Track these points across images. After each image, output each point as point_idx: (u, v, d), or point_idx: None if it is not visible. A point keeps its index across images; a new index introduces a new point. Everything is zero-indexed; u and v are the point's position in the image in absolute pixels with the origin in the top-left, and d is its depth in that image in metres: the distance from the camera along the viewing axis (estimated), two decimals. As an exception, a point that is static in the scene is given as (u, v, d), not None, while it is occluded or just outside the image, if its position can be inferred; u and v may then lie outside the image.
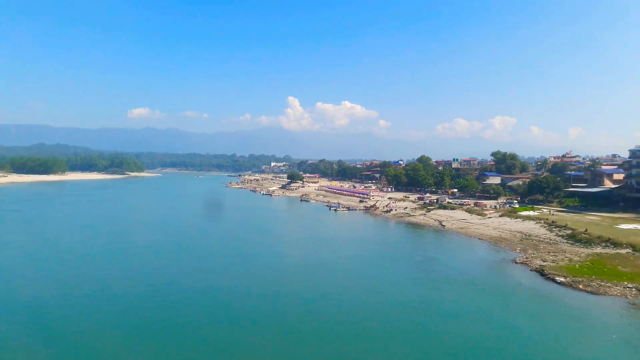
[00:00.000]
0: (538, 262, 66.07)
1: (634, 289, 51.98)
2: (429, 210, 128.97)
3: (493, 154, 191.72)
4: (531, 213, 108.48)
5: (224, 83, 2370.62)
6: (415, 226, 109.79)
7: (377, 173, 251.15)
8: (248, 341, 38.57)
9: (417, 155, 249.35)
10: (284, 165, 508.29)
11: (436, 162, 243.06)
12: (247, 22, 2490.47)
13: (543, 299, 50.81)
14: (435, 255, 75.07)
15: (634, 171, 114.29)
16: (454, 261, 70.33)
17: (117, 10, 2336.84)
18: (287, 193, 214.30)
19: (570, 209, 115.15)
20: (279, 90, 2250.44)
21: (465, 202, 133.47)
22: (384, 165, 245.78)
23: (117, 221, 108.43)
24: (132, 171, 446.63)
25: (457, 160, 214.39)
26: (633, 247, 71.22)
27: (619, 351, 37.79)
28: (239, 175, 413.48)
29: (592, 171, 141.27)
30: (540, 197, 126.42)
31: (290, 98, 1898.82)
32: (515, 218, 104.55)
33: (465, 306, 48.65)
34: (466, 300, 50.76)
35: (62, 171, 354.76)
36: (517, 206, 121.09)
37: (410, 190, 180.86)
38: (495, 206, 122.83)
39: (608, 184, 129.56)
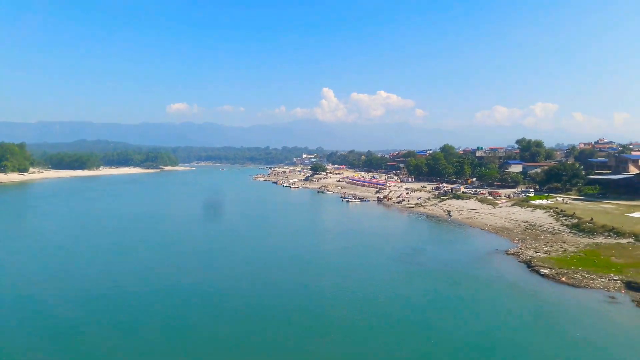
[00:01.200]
0: (530, 254, 62.99)
1: (618, 282, 48.74)
2: (442, 200, 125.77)
3: (518, 142, 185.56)
4: (543, 202, 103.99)
5: (259, 76, 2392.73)
6: (421, 216, 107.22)
7: (401, 163, 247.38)
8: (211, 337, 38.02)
9: (454, 145, 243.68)
10: (314, 157, 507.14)
11: (464, 150, 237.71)
12: (282, 12, 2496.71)
13: (519, 292, 48.17)
14: (426, 247, 72.69)
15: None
16: (443, 252, 67.99)
17: (153, 6, 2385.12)
18: (308, 185, 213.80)
19: (588, 197, 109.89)
20: (313, 81, 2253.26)
21: (479, 191, 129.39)
22: (408, 155, 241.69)
23: (119, 216, 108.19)
24: (166, 165, 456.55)
25: (481, 148, 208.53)
26: (636, 236, 67.15)
27: (576, 351, 35.23)
28: (270, 168, 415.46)
29: (617, 157, 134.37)
30: (558, 185, 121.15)
31: (325, 89, 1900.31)
32: (526, 207, 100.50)
33: (434, 299, 46.80)
34: (437, 293, 48.75)
35: (97, 166, 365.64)
36: (532, 195, 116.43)
37: (430, 180, 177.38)
38: (509, 195, 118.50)
39: (633, 171, 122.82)
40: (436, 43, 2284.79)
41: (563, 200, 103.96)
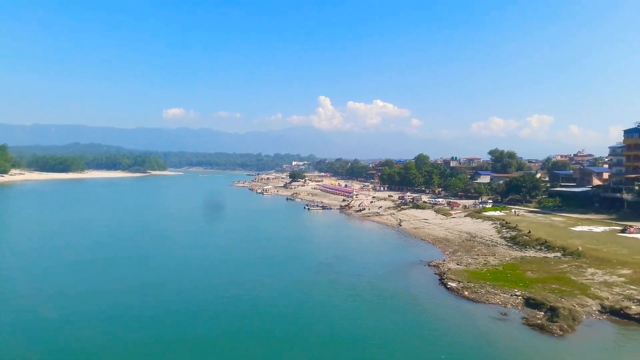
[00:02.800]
0: (450, 266, 60.43)
1: (519, 297, 46.26)
2: (401, 210, 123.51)
3: (490, 152, 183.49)
4: (495, 213, 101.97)
5: (255, 83, 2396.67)
6: (372, 225, 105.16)
7: (380, 172, 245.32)
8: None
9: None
10: (303, 165, 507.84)
11: (443, 160, 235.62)
12: (280, 20, 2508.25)
13: (412, 306, 45.72)
14: (353, 256, 70.14)
15: (614, 169, 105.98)
16: (366, 262, 65.42)
17: (151, 11, 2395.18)
18: (282, 192, 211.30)
19: (546, 209, 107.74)
20: (310, 89, 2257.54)
21: (438, 201, 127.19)
22: (386, 164, 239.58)
23: (68, 220, 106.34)
24: (154, 170, 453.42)
25: (455, 159, 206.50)
26: (564, 250, 64.95)
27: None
28: (257, 174, 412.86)
29: (582, 170, 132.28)
30: (518, 197, 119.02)
31: (322, 97, 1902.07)
32: (477, 218, 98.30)
33: (323, 309, 44.61)
34: (330, 304, 46.35)
35: (81, 169, 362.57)
36: (489, 206, 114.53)
37: (402, 189, 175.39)
38: (465, 206, 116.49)
39: (597, 183, 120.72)
40: (432, 53, 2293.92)
41: (515, 212, 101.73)
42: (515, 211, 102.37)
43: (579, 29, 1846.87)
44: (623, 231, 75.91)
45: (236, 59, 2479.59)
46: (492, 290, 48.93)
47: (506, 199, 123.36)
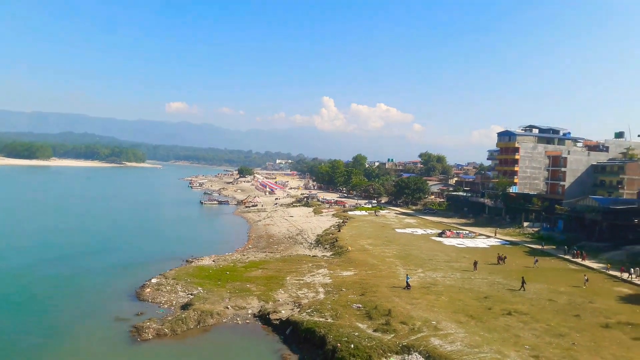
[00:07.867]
0: (203, 262, 55.35)
1: (193, 297, 41.31)
2: (292, 207, 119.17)
3: (420, 155, 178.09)
4: (361, 213, 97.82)
5: (261, 81, 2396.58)
6: (232, 219, 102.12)
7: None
8: None
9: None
10: (285, 163, 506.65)
11: (395, 163, 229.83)
12: (288, 20, 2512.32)
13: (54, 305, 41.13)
14: (125, 247, 65.39)
15: (491, 174, 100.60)
16: (123, 256, 59.26)
17: (158, 4, 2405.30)
18: (215, 186, 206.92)
19: (420, 212, 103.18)
20: (314, 90, 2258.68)
21: (328, 200, 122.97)
22: (334, 163, 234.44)
23: None
24: (130, 161, 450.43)
25: (391, 160, 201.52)
26: (340, 249, 60.91)
27: None
28: (234, 170, 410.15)
29: (483, 175, 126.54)
30: (406, 199, 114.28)
31: (325, 98, 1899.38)
32: (338, 217, 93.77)
33: None
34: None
35: (47, 157, 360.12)
36: (368, 206, 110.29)
37: (327, 189, 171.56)
38: (344, 205, 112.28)
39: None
40: (437, 61, 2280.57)
41: (376, 213, 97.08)
42: (376, 212, 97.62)
43: (582, 47, 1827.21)
44: (440, 235, 70.97)
45: (242, 56, 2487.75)
46: (180, 289, 44.04)
47: (400, 200, 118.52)
